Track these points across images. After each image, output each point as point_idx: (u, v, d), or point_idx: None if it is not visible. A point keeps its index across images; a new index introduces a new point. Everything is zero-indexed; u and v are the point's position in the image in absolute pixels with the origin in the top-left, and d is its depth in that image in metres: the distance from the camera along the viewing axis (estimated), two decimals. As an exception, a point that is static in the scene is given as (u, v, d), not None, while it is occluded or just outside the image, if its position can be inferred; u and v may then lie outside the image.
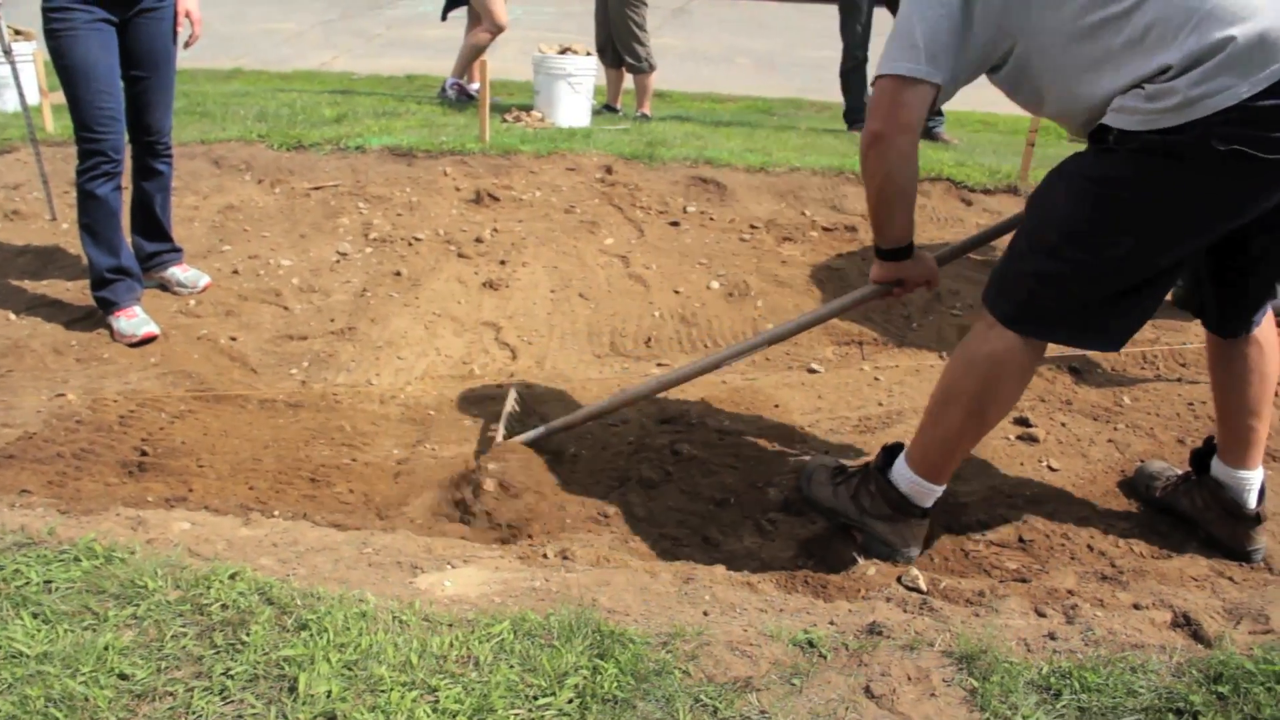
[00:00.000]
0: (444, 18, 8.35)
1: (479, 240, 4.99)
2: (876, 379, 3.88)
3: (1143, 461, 3.33)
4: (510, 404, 3.43)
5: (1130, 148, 2.31)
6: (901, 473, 2.79)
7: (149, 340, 3.94)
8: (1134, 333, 2.59)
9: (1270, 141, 2.16)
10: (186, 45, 4.17)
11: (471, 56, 7.96)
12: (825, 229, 5.29)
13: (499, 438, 3.24)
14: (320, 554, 2.46)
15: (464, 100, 8.01)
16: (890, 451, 2.87)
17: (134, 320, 3.95)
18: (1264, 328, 2.78)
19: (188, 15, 4.10)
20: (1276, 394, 2.94)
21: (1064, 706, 1.99)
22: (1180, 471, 3.12)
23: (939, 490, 2.78)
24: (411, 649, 1.99)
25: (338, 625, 2.03)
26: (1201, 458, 2.99)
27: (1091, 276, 2.44)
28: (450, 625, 2.10)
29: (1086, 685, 2.04)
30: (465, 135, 6.27)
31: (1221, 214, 2.32)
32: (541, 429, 3.26)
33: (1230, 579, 2.76)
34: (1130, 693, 2.03)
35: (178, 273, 4.42)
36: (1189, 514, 3.00)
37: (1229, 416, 2.87)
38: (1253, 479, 2.88)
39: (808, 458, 3.28)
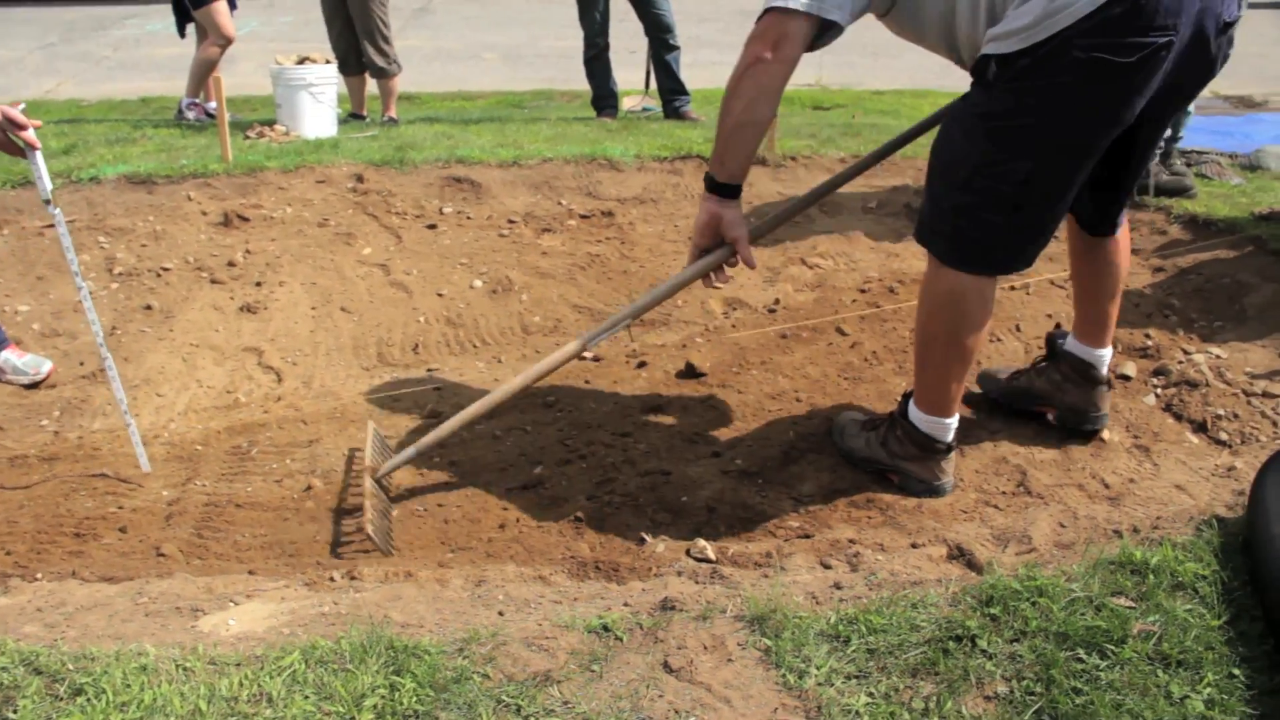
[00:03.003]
0: (181, 34, 8.00)
1: (232, 264, 4.82)
2: (643, 362, 3.95)
3: (984, 367, 3.68)
4: (370, 441, 3.23)
5: (1007, 78, 2.52)
6: (916, 415, 2.97)
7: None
8: (1040, 252, 2.82)
9: (1125, 47, 2.38)
10: None
11: (203, 73, 7.67)
12: (583, 216, 5.34)
13: (371, 482, 3.04)
14: (92, 612, 2.34)
15: (204, 120, 7.71)
16: (909, 397, 3.03)
17: None
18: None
19: None
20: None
21: (854, 651, 2.08)
22: (1018, 367, 3.51)
23: (953, 422, 2.97)
24: (199, 696, 1.93)
25: (116, 684, 1.94)
26: (1053, 341, 3.35)
27: (1002, 203, 2.64)
28: (238, 665, 2.04)
29: (873, 627, 2.14)
30: (207, 156, 6.03)
31: (1099, 121, 2.54)
32: (410, 451, 3.07)
33: (996, 507, 2.94)
34: (913, 628, 2.14)
35: (12, 357, 3.92)
36: (1042, 392, 3.35)
37: (1089, 303, 3.22)
38: (1105, 355, 3.25)
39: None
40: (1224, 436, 3.32)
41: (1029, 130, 2.55)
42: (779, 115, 6.08)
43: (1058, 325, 3.48)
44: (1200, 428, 3.38)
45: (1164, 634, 2.08)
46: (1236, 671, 2.00)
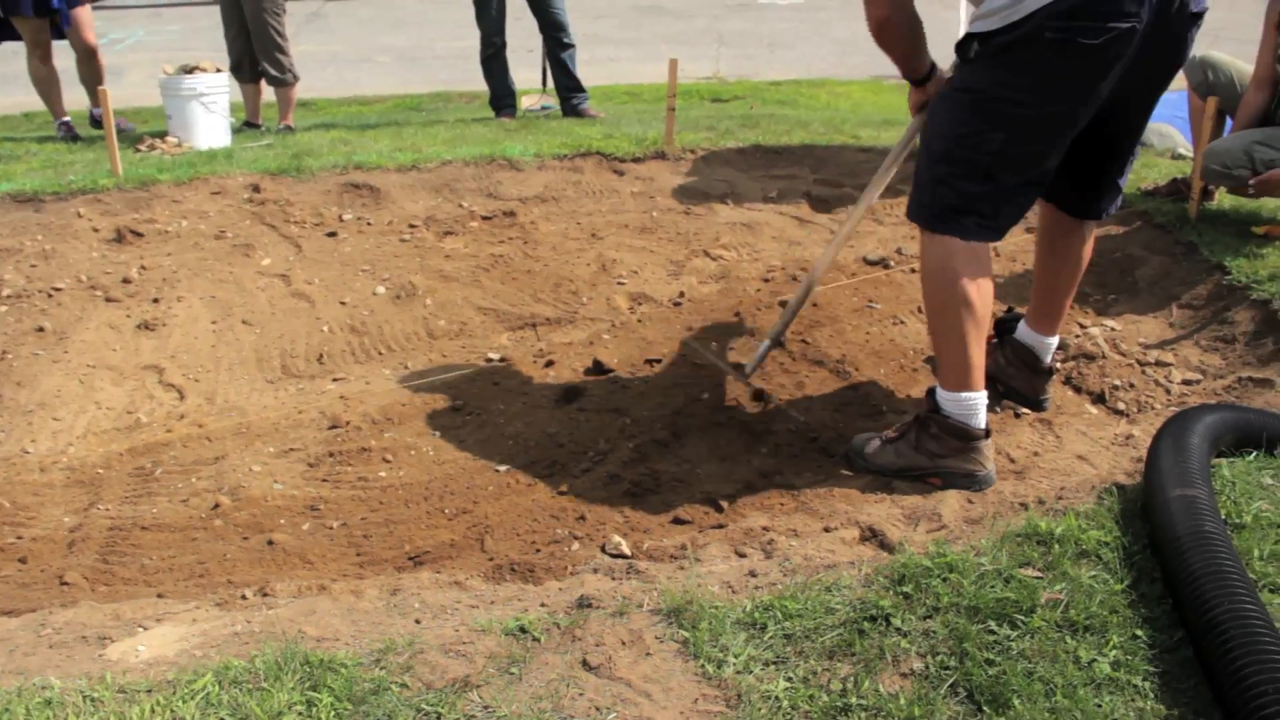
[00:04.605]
0: None
1: (127, 281, 4.71)
2: (551, 361, 3.94)
3: None
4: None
5: (985, 55, 2.72)
6: (946, 401, 2.95)
7: None
8: (1014, 225, 2.93)
9: (1092, 30, 2.56)
10: None
11: (47, 91, 7.48)
12: (484, 218, 5.31)
13: (749, 371, 3.59)
14: (-10, 648, 2.28)
15: (86, 131, 7.54)
16: (931, 394, 3.02)
17: None
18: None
19: None
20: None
21: (770, 638, 2.09)
22: None
23: (982, 397, 2.96)
24: (109, 726, 1.88)
25: (20, 721, 1.89)
26: (1004, 324, 3.45)
27: (977, 171, 2.78)
28: (149, 691, 1.99)
29: (789, 613, 2.15)
30: (96, 171, 5.88)
31: (1069, 97, 2.71)
32: (766, 344, 3.56)
33: (905, 486, 2.98)
34: (828, 611, 2.16)
35: None
36: (990, 371, 3.34)
37: (1048, 293, 3.33)
38: (1053, 343, 3.35)
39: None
40: (1121, 406, 3.42)
41: (1004, 103, 2.72)
42: (677, 109, 6.11)
43: (1009, 308, 3.54)
44: (1099, 399, 3.47)
45: (1071, 601, 2.14)
46: (1140, 632, 2.06)
